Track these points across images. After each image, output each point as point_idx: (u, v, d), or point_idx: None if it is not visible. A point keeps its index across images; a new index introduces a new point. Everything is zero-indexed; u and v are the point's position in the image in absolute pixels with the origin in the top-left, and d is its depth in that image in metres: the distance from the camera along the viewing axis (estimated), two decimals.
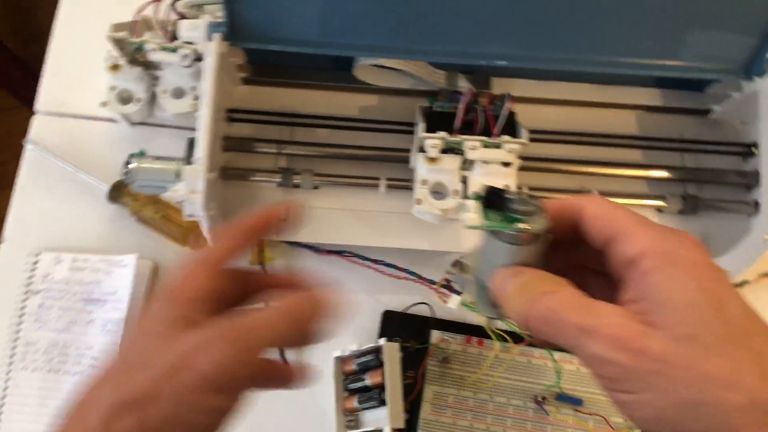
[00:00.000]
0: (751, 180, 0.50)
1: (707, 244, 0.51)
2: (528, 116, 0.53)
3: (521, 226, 0.27)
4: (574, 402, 0.49)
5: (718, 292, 0.25)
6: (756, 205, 0.48)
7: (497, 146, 0.46)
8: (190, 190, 0.42)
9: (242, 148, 0.52)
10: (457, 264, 0.31)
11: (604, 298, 0.27)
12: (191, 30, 0.45)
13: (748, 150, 0.51)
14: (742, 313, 0.25)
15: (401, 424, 0.46)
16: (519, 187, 0.45)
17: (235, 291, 0.33)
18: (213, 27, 0.45)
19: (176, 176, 0.47)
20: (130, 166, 0.47)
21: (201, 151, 0.42)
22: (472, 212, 0.27)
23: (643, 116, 0.55)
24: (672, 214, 0.51)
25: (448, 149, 0.47)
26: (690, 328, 0.24)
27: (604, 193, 0.51)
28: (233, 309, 0.32)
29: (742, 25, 0.44)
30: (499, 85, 0.53)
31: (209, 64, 0.44)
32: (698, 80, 0.53)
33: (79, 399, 0.29)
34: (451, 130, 0.46)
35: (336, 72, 0.54)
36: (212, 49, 0.44)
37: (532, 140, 0.53)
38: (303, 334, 0.32)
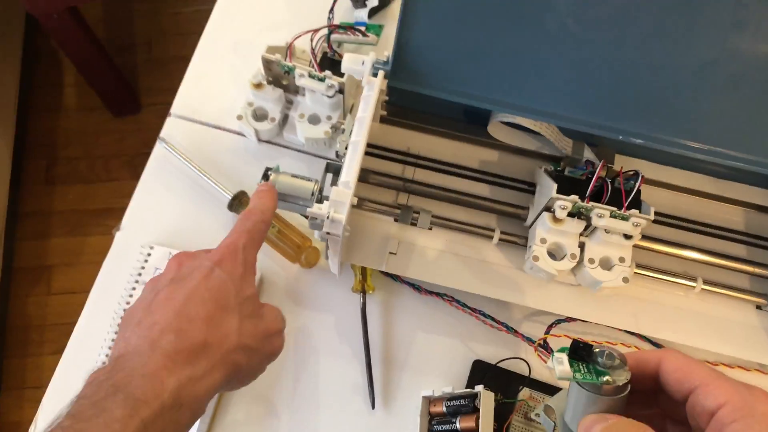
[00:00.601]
0: None
1: None
2: (649, 197, 0.55)
3: (607, 378, 0.30)
4: None
5: None
6: None
7: (624, 218, 0.48)
8: (334, 210, 0.44)
9: (369, 180, 0.54)
10: (547, 408, 0.34)
11: None
12: (354, 63, 0.48)
13: None
14: None
15: None
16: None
17: None
18: (378, 64, 0.48)
19: (312, 195, 0.49)
20: (270, 177, 0.49)
21: (351, 176, 0.44)
22: (563, 363, 0.31)
23: (751, 215, 0.56)
24: None
25: (575, 213, 0.49)
26: None
27: (707, 282, 0.53)
28: None
29: None
30: (620, 162, 0.55)
31: (371, 97, 0.46)
32: None
33: (206, 315, 0.37)
34: (582, 196, 0.48)
35: (466, 124, 0.56)
36: (376, 84, 0.46)
37: (656, 222, 0.54)
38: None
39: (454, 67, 0.47)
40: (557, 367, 0.31)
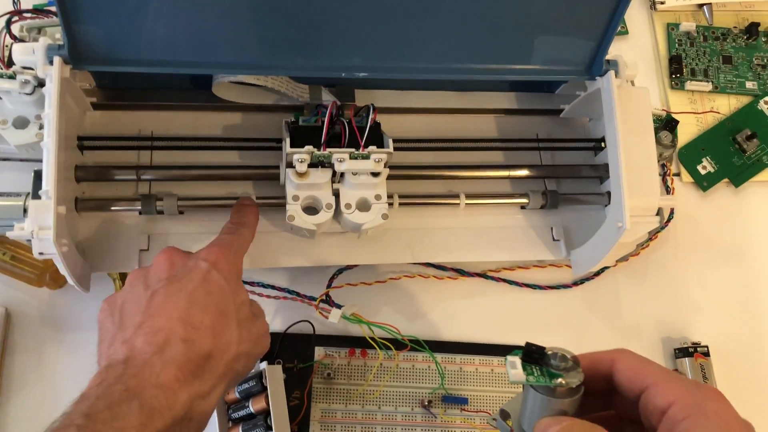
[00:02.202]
0: (602, 172, 0.53)
1: (569, 236, 0.54)
2: (393, 126, 0.54)
3: (560, 380, 0.30)
4: (460, 402, 0.50)
5: None
6: (608, 195, 0.51)
7: (365, 157, 0.46)
8: (38, 227, 0.39)
9: (99, 177, 0.49)
10: (502, 412, 0.33)
11: None
12: (26, 54, 0.42)
13: (597, 144, 0.54)
14: None
15: None
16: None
17: None
18: (52, 50, 0.41)
19: (24, 213, 0.43)
20: None
21: (48, 184, 0.39)
22: (516, 367, 0.31)
23: (501, 119, 0.57)
24: (535, 209, 0.54)
25: (317, 163, 0.47)
26: None
27: (470, 195, 0.53)
28: None
29: (583, 31, 0.47)
30: (363, 97, 0.53)
31: (51, 90, 0.41)
32: (549, 82, 0.56)
33: (210, 323, 0.36)
34: (318, 144, 0.46)
35: (197, 91, 0.52)
36: (53, 74, 0.40)
37: (399, 149, 0.53)
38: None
39: (137, 33, 0.42)
40: (510, 371, 0.30)
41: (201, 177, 0.50)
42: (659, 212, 0.48)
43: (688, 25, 0.63)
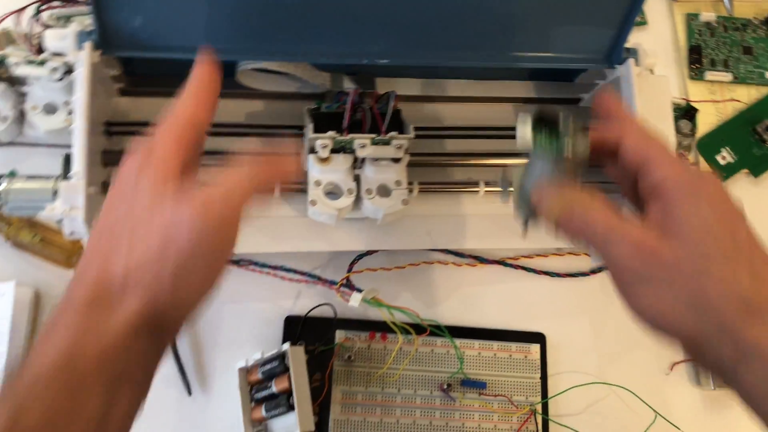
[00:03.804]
0: None
1: None
2: (413, 114, 0.54)
3: (567, 140, 0.31)
4: (479, 386, 0.51)
5: (731, 220, 0.30)
6: None
7: (386, 143, 0.47)
8: (69, 207, 0.40)
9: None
10: (505, 171, 0.34)
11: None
12: (58, 39, 0.43)
13: None
14: (748, 238, 0.30)
15: (311, 427, 0.46)
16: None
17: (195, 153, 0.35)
18: (82, 36, 0.43)
19: (54, 195, 0.44)
20: (1, 187, 0.44)
21: (78, 165, 0.40)
22: (525, 125, 0.31)
23: (521, 108, 0.57)
24: None
25: (339, 149, 0.47)
26: (702, 243, 0.29)
27: (490, 183, 0.53)
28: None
29: (602, 19, 0.48)
30: (384, 85, 0.54)
31: (81, 75, 0.42)
32: (568, 72, 0.57)
33: (83, 265, 0.31)
34: (340, 130, 0.47)
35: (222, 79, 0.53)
36: (83, 59, 0.42)
37: (420, 137, 0.54)
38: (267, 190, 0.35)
39: (169, 21, 0.43)
40: (519, 128, 0.31)
41: (222, 163, 0.51)
42: None
43: (708, 16, 0.63)
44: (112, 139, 0.51)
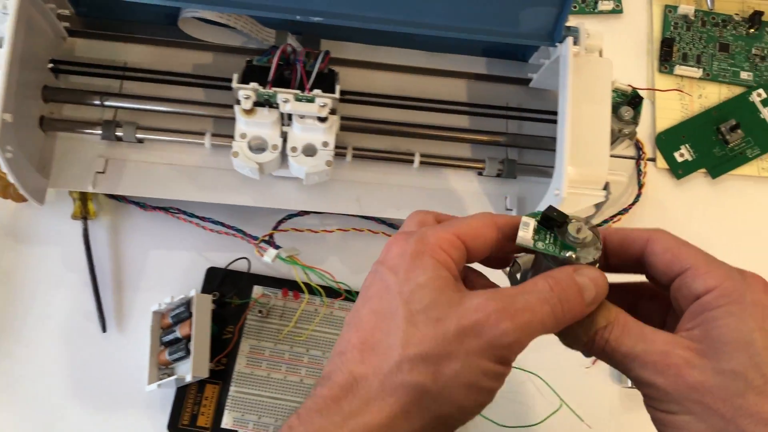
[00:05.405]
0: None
1: (523, 207, 0.53)
2: (360, 80, 0.55)
3: (570, 254, 0.28)
4: None
5: None
6: None
7: (310, 100, 0.47)
8: None
9: (66, 99, 0.51)
10: (515, 263, 0.33)
11: (656, 323, 0.29)
12: None
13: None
14: None
15: (205, 374, 0.47)
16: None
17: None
18: None
19: None
20: None
21: None
22: (527, 229, 0.29)
23: (473, 84, 0.56)
24: (491, 177, 0.54)
25: (264, 102, 0.47)
26: (738, 365, 0.26)
27: (426, 156, 0.53)
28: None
29: None
30: (330, 47, 0.53)
31: (11, 4, 0.43)
32: (523, 50, 0.55)
33: (359, 340, 0.29)
34: (265, 83, 0.47)
35: (175, 28, 0.53)
36: None
37: (363, 103, 0.54)
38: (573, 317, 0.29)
39: None
40: (520, 232, 0.28)
41: (163, 110, 0.52)
42: (606, 187, 0.47)
43: (686, 8, 0.61)
44: (60, 78, 0.52)
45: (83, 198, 0.53)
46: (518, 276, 0.32)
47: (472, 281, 0.32)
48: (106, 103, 0.51)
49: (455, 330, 0.27)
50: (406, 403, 0.27)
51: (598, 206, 0.50)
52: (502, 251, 0.32)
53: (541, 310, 0.28)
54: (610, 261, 0.31)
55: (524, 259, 0.32)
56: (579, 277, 0.28)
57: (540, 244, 0.28)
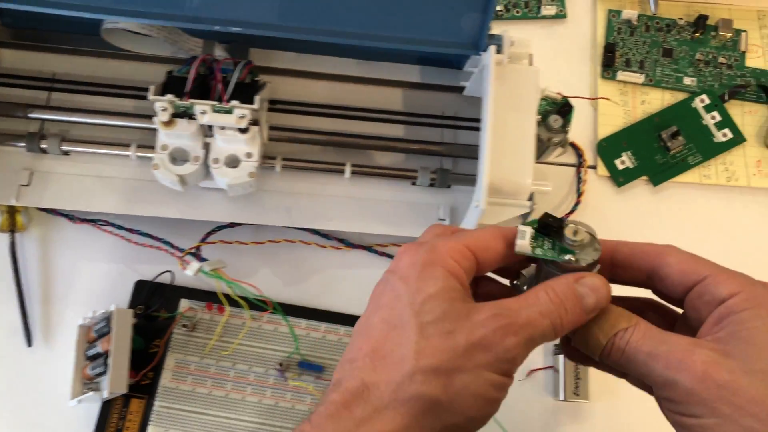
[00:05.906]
0: None
1: (456, 217, 0.53)
2: (291, 90, 0.54)
3: (569, 257, 0.29)
4: (315, 369, 0.50)
5: None
6: None
7: (228, 111, 0.46)
8: None
9: None
10: (521, 275, 0.33)
11: None
12: None
13: None
14: None
15: (123, 390, 0.46)
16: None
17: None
18: None
19: None
20: None
21: None
22: (524, 237, 0.29)
23: (408, 93, 0.56)
24: (424, 186, 0.53)
25: (182, 114, 0.47)
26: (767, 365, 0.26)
27: (358, 165, 0.52)
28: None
29: (466, 3, 0.46)
30: (259, 57, 0.53)
31: None
32: (458, 57, 0.55)
33: (370, 349, 0.29)
34: (182, 94, 0.46)
35: (100, 38, 0.53)
36: None
37: (295, 112, 0.53)
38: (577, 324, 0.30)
39: None
40: (518, 240, 0.29)
41: (89, 121, 0.52)
42: (531, 197, 0.46)
43: (630, 13, 0.60)
44: None
45: (11, 211, 0.52)
46: (525, 288, 0.33)
47: (484, 287, 0.33)
48: (31, 115, 0.51)
49: (465, 344, 0.28)
50: (417, 413, 0.28)
51: (525, 217, 0.49)
52: (511, 262, 0.32)
53: (542, 324, 0.29)
54: (618, 273, 0.32)
55: (530, 269, 0.33)
56: (580, 288, 0.29)
57: (539, 251, 0.29)
